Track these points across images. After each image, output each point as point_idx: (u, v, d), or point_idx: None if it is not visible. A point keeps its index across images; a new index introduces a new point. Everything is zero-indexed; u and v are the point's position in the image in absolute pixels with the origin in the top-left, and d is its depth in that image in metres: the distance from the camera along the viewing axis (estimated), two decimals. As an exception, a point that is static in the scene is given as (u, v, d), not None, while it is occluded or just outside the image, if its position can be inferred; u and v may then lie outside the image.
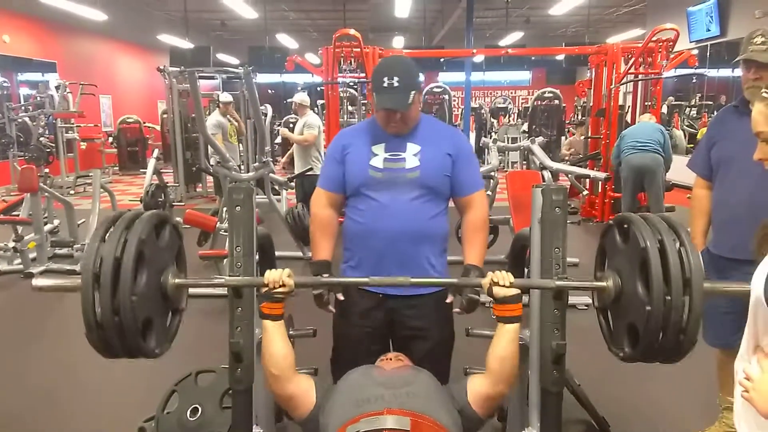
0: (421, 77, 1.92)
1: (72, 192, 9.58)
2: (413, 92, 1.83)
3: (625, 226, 1.43)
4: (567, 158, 8.38)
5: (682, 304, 1.28)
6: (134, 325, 1.33)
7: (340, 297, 1.97)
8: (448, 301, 1.93)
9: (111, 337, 1.33)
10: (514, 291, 1.51)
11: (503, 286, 1.50)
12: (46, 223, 5.47)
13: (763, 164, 1.22)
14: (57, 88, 10.42)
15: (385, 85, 1.80)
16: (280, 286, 1.53)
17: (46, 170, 8.20)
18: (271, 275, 1.54)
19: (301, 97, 6.29)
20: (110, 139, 12.61)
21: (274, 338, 1.57)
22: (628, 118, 7.56)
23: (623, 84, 6.45)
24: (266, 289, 1.55)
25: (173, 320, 1.57)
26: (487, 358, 1.58)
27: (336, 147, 1.99)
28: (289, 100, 6.66)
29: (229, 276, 1.61)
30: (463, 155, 1.95)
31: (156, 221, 1.45)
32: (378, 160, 1.89)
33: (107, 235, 1.36)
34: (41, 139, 9.79)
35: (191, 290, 4.34)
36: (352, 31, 6.63)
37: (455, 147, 1.95)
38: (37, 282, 1.41)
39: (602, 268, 1.55)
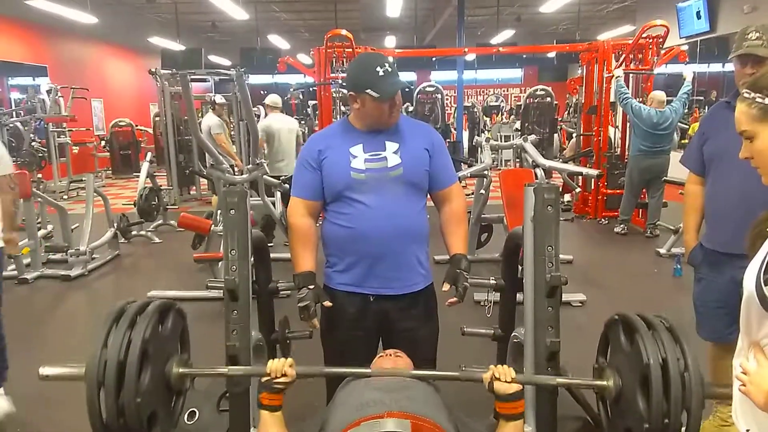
0: None
1: (65, 197, 9.54)
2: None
3: (630, 328, 1.43)
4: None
5: (680, 425, 1.30)
6: (139, 424, 1.34)
7: (328, 304, 1.91)
8: (444, 289, 1.91)
9: None
10: (516, 387, 1.47)
11: (504, 381, 1.47)
12: (39, 229, 5.44)
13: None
14: (48, 92, 10.36)
15: (382, 73, 1.80)
16: (281, 376, 1.50)
17: (39, 175, 8.16)
18: (273, 365, 1.51)
19: (272, 99, 6.42)
20: (102, 143, 12.54)
21: (272, 429, 1.52)
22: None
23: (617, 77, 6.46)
24: (267, 378, 1.51)
25: (176, 404, 1.58)
26: None
27: (310, 153, 1.93)
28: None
29: (230, 365, 1.59)
30: (438, 149, 1.97)
31: (160, 312, 1.45)
32: (359, 162, 1.87)
33: (110, 335, 1.36)
34: (33, 143, 9.73)
35: (185, 294, 4.34)
36: (344, 32, 6.64)
37: (430, 142, 1.97)
38: (44, 371, 1.44)
39: (604, 355, 1.56)
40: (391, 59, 1.87)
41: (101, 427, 1.33)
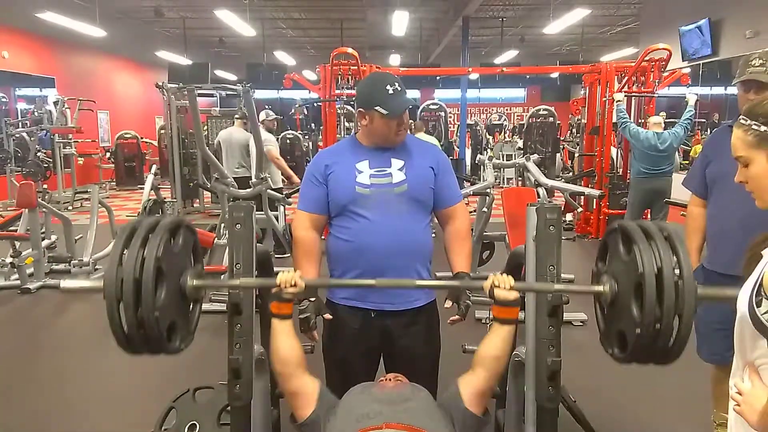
0: None
1: (70, 207, 9.58)
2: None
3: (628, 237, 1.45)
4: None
5: (671, 329, 1.32)
6: (159, 334, 1.40)
7: (328, 317, 1.92)
8: (446, 306, 1.93)
9: (139, 346, 1.42)
10: (514, 294, 1.55)
11: (504, 288, 1.54)
12: (43, 239, 5.47)
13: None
14: (55, 103, 10.45)
15: (391, 91, 1.85)
16: (291, 286, 1.57)
17: (44, 186, 8.21)
18: (283, 276, 1.59)
19: (266, 113, 6.81)
20: (108, 155, 12.63)
21: (282, 336, 1.62)
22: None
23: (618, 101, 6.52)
24: (277, 288, 1.59)
25: (193, 313, 1.62)
26: (479, 356, 1.62)
27: (317, 168, 1.96)
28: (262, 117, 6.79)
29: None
30: (443, 168, 2.00)
31: (170, 230, 1.49)
32: (364, 177, 1.90)
33: (124, 253, 1.40)
34: (39, 154, 9.80)
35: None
36: (350, 50, 6.71)
37: (436, 160, 1.99)
38: (65, 284, 1.50)
39: (603, 261, 1.58)
40: (397, 79, 1.90)
41: (123, 338, 1.39)
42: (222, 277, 4.38)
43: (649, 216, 6.38)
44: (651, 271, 1.32)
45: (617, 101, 6.20)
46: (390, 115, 1.85)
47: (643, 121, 6.99)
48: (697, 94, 5.98)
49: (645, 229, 1.43)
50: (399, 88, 1.86)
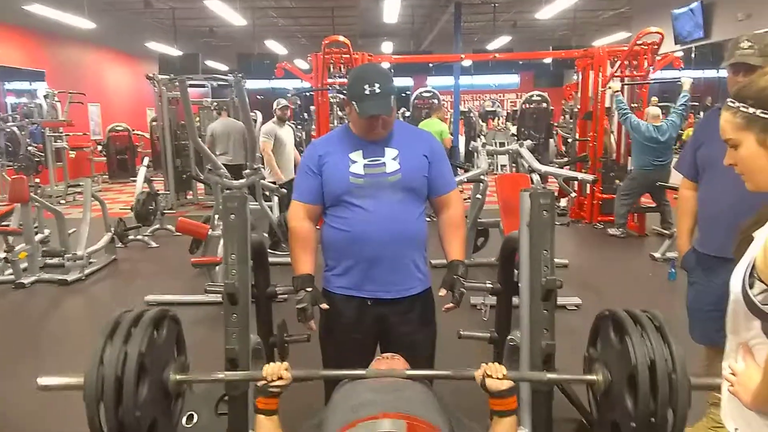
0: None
1: (62, 201, 9.53)
2: (392, 97, 1.86)
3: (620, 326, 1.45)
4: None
5: (666, 422, 1.33)
6: None
7: (325, 306, 1.92)
8: (441, 294, 1.93)
9: None
10: (507, 384, 1.49)
11: (496, 378, 1.49)
12: (36, 233, 5.45)
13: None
14: (45, 97, 10.36)
15: (367, 92, 1.81)
16: (277, 379, 1.52)
17: (36, 180, 8.16)
18: (269, 369, 1.53)
19: (278, 101, 6.66)
20: (99, 148, 12.55)
21: None
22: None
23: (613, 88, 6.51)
24: (263, 383, 1.53)
25: (175, 408, 1.60)
26: None
27: (311, 158, 1.96)
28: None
29: (228, 371, 1.62)
30: (437, 156, 2.00)
31: (155, 322, 1.47)
32: (358, 167, 1.90)
33: (106, 349, 1.38)
34: (30, 148, 9.73)
35: (183, 298, 4.33)
36: (342, 38, 6.68)
37: (429, 148, 1.99)
38: (42, 381, 1.47)
39: (594, 346, 1.58)
40: (384, 78, 1.84)
41: None
42: (217, 269, 4.39)
43: (652, 199, 6.42)
44: (644, 363, 1.33)
45: (615, 91, 6.19)
46: (361, 116, 1.85)
47: (635, 105, 7.00)
48: (692, 78, 5.98)
49: (636, 318, 1.43)
50: (377, 90, 1.81)
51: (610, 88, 6.35)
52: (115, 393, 1.33)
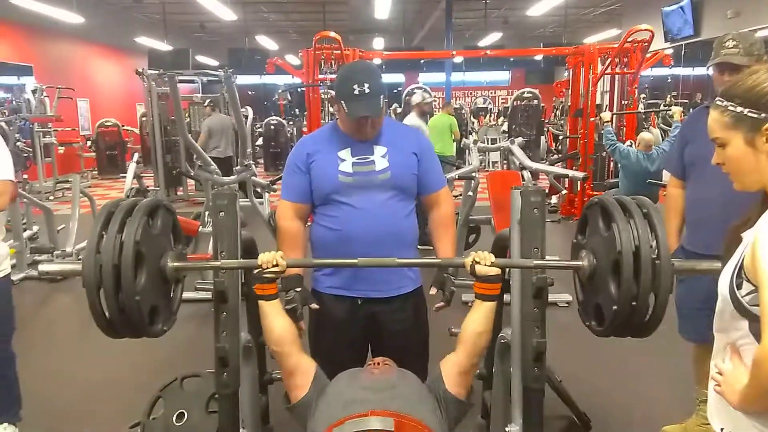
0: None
1: (51, 197, 9.45)
2: (382, 96, 1.83)
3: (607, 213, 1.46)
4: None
5: (647, 306, 1.35)
6: (141, 317, 1.41)
7: (315, 307, 1.91)
8: (431, 293, 1.94)
9: (121, 330, 1.42)
10: (495, 270, 1.57)
11: (485, 264, 1.56)
12: (25, 230, 5.40)
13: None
14: (33, 92, 10.25)
15: (356, 92, 1.78)
16: (273, 266, 1.58)
17: (25, 176, 8.07)
18: (264, 256, 1.59)
19: (422, 94, 6.84)
20: (89, 143, 12.44)
21: (272, 316, 1.63)
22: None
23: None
24: (258, 269, 1.59)
25: (175, 294, 1.62)
26: (461, 334, 1.63)
27: (299, 156, 1.94)
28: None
29: (223, 261, 1.64)
30: (426, 154, 1.98)
31: (148, 211, 1.47)
32: (347, 165, 1.88)
33: (102, 240, 1.39)
34: (18, 144, 9.62)
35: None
36: (333, 34, 6.65)
37: (419, 146, 1.97)
38: (43, 267, 1.52)
39: (582, 233, 1.60)
40: (373, 78, 1.81)
41: (105, 324, 1.40)
42: (208, 264, 4.36)
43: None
44: (629, 249, 1.34)
45: (605, 122, 6.19)
46: (349, 116, 1.83)
47: (626, 102, 7.04)
48: (681, 108, 5.99)
49: (624, 205, 1.44)
50: (367, 90, 1.78)
51: (600, 118, 6.29)
52: (114, 279, 1.36)
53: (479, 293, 1.62)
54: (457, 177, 5.04)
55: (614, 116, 6.75)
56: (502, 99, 20.46)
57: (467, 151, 5.31)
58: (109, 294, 1.37)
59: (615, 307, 1.37)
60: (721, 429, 1.18)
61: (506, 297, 1.78)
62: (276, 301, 1.65)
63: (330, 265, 1.93)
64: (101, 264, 1.36)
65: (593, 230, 1.54)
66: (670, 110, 5.97)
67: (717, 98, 1.18)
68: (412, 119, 6.16)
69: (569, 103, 7.90)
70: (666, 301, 1.35)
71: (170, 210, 1.61)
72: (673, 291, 1.37)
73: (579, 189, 7.33)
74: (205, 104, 8.75)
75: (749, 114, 1.12)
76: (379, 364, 1.77)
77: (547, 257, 1.64)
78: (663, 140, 6.05)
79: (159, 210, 1.54)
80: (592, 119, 6.92)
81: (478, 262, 1.56)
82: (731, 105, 1.14)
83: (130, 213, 1.43)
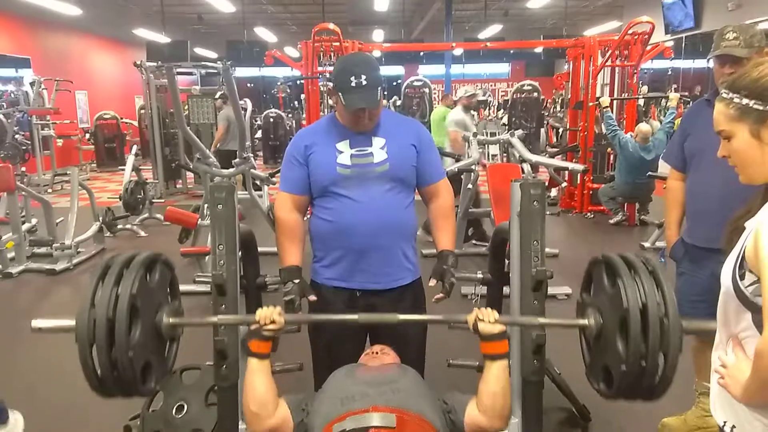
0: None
1: (49, 190, 9.43)
2: (380, 88, 1.83)
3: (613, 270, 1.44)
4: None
5: (657, 366, 1.32)
6: (133, 375, 1.37)
7: (313, 298, 1.91)
8: (431, 284, 1.94)
9: (112, 388, 1.38)
10: (499, 328, 1.51)
11: (488, 322, 1.51)
12: (23, 222, 5.39)
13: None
14: (32, 84, 10.22)
15: (353, 84, 1.77)
16: (270, 323, 1.52)
17: (23, 168, 8.06)
18: (262, 312, 1.53)
19: (466, 89, 6.62)
20: (87, 136, 12.41)
21: (258, 375, 1.56)
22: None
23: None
24: (256, 326, 1.53)
25: (170, 351, 1.59)
26: (478, 396, 1.58)
27: (297, 148, 1.93)
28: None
29: (220, 318, 1.61)
30: (425, 145, 1.98)
31: (147, 265, 1.45)
32: (345, 157, 1.87)
33: (97, 292, 1.37)
34: (16, 136, 9.60)
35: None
36: (332, 26, 6.62)
37: (418, 137, 1.97)
38: (36, 324, 1.48)
39: (587, 291, 1.58)
40: (371, 69, 1.81)
41: (97, 383, 1.37)
42: (207, 258, 4.36)
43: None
44: (636, 306, 1.32)
45: (604, 107, 6.18)
46: (347, 108, 1.82)
47: (626, 94, 7.01)
48: (679, 93, 6.01)
49: (629, 262, 1.42)
50: (364, 82, 1.77)
51: (599, 104, 6.31)
52: (107, 334, 1.33)
53: (486, 353, 1.55)
54: (456, 170, 5.03)
55: (614, 102, 6.73)
56: (502, 91, 20.41)
57: (467, 143, 5.28)
58: (102, 349, 1.33)
59: (623, 367, 1.34)
60: (724, 422, 1.18)
61: (506, 289, 1.78)
62: (267, 362, 1.57)
63: (331, 322, 1.84)
64: (95, 318, 1.33)
65: (598, 288, 1.51)
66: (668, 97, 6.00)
67: (723, 90, 1.17)
68: (457, 113, 6.14)
69: (569, 96, 7.87)
70: (676, 362, 1.31)
71: (168, 265, 1.58)
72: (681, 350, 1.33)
73: (579, 182, 7.33)
74: (217, 96, 8.65)
75: (755, 106, 1.11)
76: (377, 352, 1.76)
77: (546, 253, 1.63)
78: (658, 129, 6.04)
79: (157, 264, 1.52)
80: (591, 104, 6.91)
81: (482, 320, 1.51)
82: (737, 97, 1.13)
83: (128, 266, 1.42)
